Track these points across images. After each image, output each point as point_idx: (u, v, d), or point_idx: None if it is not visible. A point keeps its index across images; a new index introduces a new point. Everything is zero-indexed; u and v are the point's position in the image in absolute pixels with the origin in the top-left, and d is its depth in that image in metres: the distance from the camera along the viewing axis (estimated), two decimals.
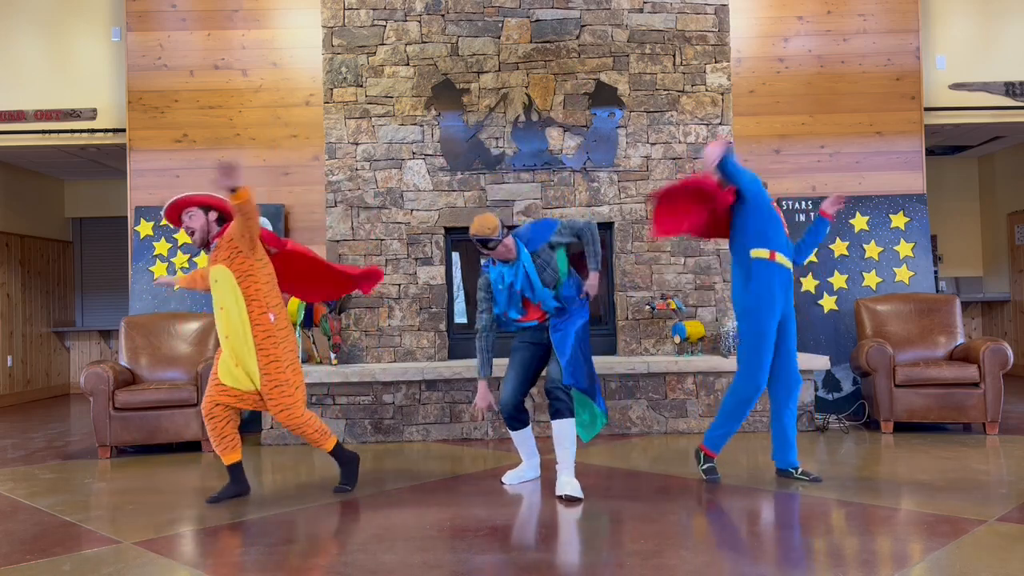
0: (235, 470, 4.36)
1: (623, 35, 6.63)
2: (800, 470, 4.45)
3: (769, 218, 4.33)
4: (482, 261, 4.56)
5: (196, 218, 4.27)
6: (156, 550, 3.47)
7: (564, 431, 4.21)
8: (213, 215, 4.31)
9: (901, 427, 6.07)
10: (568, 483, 4.17)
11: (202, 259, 6.93)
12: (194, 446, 5.98)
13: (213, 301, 4.27)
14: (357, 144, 6.56)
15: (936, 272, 9.57)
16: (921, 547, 3.26)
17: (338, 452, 4.47)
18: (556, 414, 4.21)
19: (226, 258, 4.20)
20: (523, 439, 4.56)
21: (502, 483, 4.56)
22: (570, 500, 4.10)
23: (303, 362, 6.42)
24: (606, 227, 6.65)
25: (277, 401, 4.20)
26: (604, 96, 6.60)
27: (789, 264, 4.37)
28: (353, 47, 6.59)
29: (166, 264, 6.92)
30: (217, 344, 6.24)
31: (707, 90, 6.64)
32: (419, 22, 6.60)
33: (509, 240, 4.23)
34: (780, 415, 4.43)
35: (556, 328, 4.30)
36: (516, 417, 4.46)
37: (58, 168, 9.46)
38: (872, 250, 7.05)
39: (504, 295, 4.28)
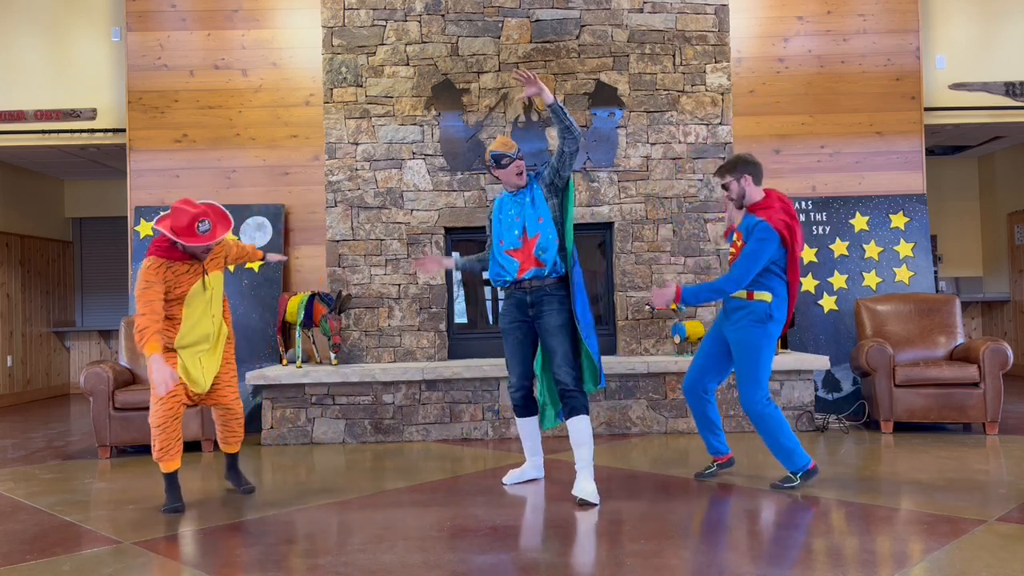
0: (175, 480, 4.16)
1: (623, 35, 6.63)
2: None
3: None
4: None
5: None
6: (156, 550, 3.47)
7: (580, 429, 4.13)
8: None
9: (901, 427, 6.07)
10: (584, 488, 4.07)
11: None
12: (194, 446, 5.98)
13: (200, 309, 4.19)
14: (357, 144, 6.57)
15: (936, 272, 9.57)
16: (921, 547, 3.26)
17: (236, 457, 4.60)
18: (571, 412, 4.15)
19: (218, 265, 4.33)
20: (531, 430, 4.51)
21: (503, 483, 4.56)
22: (584, 505, 4.02)
23: (304, 362, 6.43)
24: (606, 227, 6.65)
25: (235, 389, 4.40)
26: (604, 96, 6.60)
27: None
28: (353, 47, 6.59)
29: None
30: None
31: (707, 90, 6.64)
32: (419, 22, 6.60)
33: (521, 162, 4.23)
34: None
35: (539, 315, 4.25)
36: (524, 405, 4.43)
37: (58, 168, 9.46)
38: (872, 250, 7.05)
39: (504, 222, 4.26)
